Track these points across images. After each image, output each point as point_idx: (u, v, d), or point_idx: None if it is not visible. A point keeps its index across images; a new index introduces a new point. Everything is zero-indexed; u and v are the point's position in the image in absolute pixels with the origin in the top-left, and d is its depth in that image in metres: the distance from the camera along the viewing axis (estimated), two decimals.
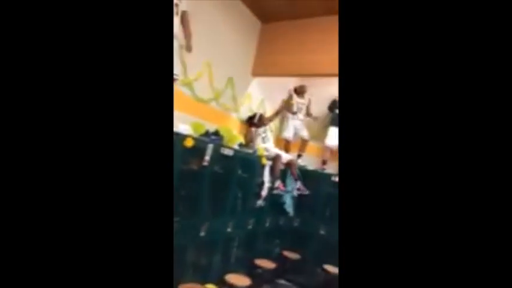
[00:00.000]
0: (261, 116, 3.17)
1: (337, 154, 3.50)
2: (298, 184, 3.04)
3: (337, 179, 3.22)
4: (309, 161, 3.61)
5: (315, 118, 3.62)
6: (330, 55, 3.00)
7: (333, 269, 2.80)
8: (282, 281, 3.03)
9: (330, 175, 3.29)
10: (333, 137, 3.44)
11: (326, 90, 3.68)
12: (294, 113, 3.56)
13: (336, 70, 3.05)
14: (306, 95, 3.62)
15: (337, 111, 3.49)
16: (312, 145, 3.66)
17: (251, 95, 3.36)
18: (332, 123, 3.49)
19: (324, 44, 2.99)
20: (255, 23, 3.31)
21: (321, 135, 3.58)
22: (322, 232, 3.12)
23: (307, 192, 3.03)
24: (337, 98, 3.56)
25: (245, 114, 3.25)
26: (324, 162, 3.51)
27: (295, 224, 3.27)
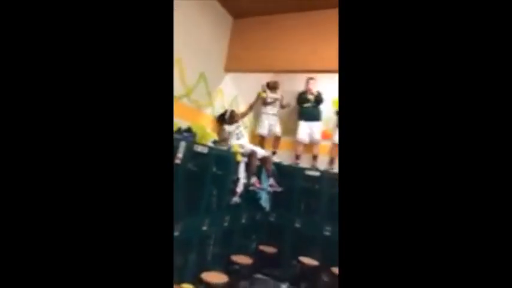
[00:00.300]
0: (232, 113, 3.14)
1: (309, 148, 3.57)
2: (271, 181, 3.07)
3: (310, 172, 3.29)
4: (283, 156, 3.65)
5: (283, 106, 3.65)
6: (301, 51, 3.05)
7: (308, 261, 2.87)
8: (259, 276, 3.06)
9: (303, 169, 3.36)
10: (302, 131, 3.50)
11: (295, 85, 3.72)
12: (268, 104, 3.57)
13: (306, 66, 3.09)
14: (279, 91, 3.65)
15: (304, 105, 3.55)
16: (285, 140, 3.70)
17: (223, 91, 3.32)
18: (300, 118, 3.55)
19: (296, 41, 3.02)
20: (226, 18, 3.26)
21: (292, 130, 3.63)
22: (297, 225, 3.18)
23: (279, 189, 3.07)
24: (302, 91, 3.61)
25: (218, 110, 3.22)
26: (297, 157, 3.57)
27: (271, 218, 3.30)
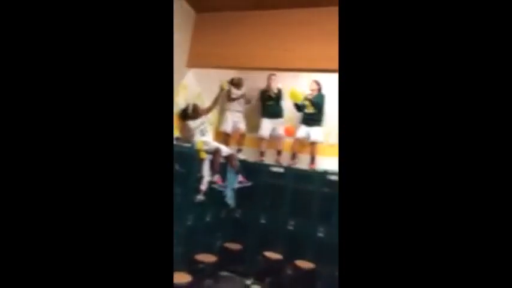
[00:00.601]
0: (195, 107, 3.06)
1: (273, 144, 3.61)
2: (240, 177, 3.08)
3: (274, 169, 3.35)
4: (248, 153, 3.66)
5: (248, 101, 3.68)
6: (265, 49, 3.06)
7: (272, 255, 2.94)
8: (225, 273, 3.06)
9: (268, 166, 3.41)
10: (265, 128, 3.54)
11: (259, 82, 3.73)
12: (233, 100, 3.55)
13: (271, 64, 3.10)
14: (243, 88, 3.65)
15: (267, 102, 3.58)
16: (249, 137, 3.71)
17: (187, 87, 3.24)
18: (263, 115, 3.59)
19: (259, 38, 3.03)
20: (189, 12, 3.17)
21: (257, 127, 3.65)
22: (262, 221, 3.23)
23: (249, 183, 3.09)
24: (264, 88, 3.62)
25: (181, 107, 3.13)
26: (262, 154, 3.61)
27: (237, 215, 3.31)
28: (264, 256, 2.93)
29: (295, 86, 3.41)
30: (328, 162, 3.32)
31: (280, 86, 3.56)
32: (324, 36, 2.95)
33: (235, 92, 3.59)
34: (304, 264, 2.81)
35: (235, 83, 3.60)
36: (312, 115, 3.38)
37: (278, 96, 3.54)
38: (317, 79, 3.41)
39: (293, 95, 3.34)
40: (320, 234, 2.96)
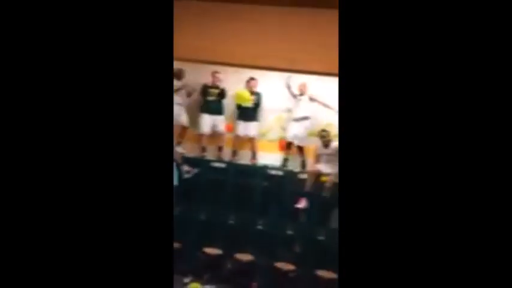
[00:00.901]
0: None
1: (214, 140, 3.57)
2: (186, 167, 2.99)
3: (216, 164, 3.32)
4: (189, 148, 3.54)
5: (189, 94, 3.55)
6: (207, 41, 3.00)
7: (212, 250, 2.92)
8: None
9: (209, 161, 3.36)
10: (205, 124, 3.46)
11: (200, 77, 3.64)
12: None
13: (211, 57, 3.07)
14: (184, 80, 3.51)
15: (207, 98, 3.51)
16: (190, 132, 3.59)
17: None
18: (203, 111, 3.51)
19: (202, 29, 2.96)
20: None
21: (198, 122, 3.55)
22: (203, 217, 3.17)
23: (196, 170, 3.04)
24: (207, 83, 3.56)
25: None
26: (203, 149, 3.54)
27: (175, 213, 3.18)
28: (204, 252, 2.90)
29: (241, 88, 3.39)
30: (268, 157, 3.45)
31: (224, 85, 3.52)
32: (272, 34, 3.05)
33: (175, 84, 3.43)
34: (244, 257, 2.87)
35: (176, 75, 3.44)
36: (249, 110, 3.42)
37: (222, 95, 3.51)
38: (254, 76, 3.47)
39: (240, 98, 3.31)
40: (259, 227, 3.06)
